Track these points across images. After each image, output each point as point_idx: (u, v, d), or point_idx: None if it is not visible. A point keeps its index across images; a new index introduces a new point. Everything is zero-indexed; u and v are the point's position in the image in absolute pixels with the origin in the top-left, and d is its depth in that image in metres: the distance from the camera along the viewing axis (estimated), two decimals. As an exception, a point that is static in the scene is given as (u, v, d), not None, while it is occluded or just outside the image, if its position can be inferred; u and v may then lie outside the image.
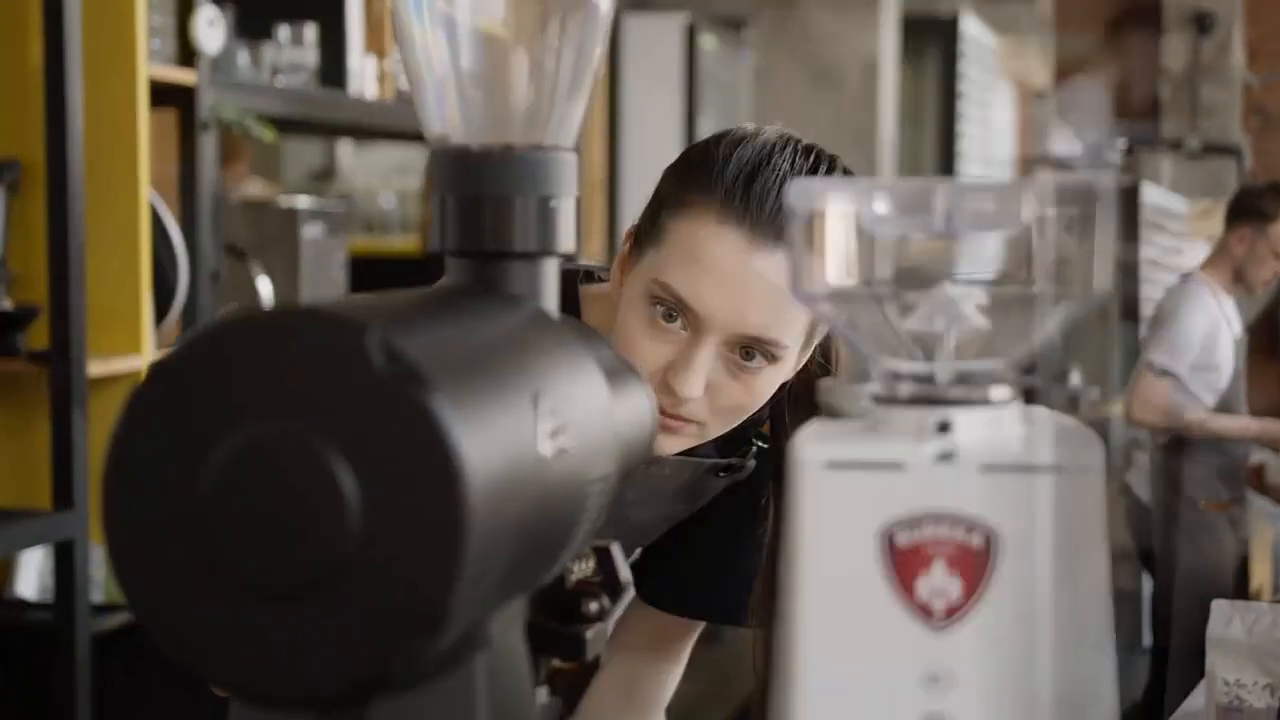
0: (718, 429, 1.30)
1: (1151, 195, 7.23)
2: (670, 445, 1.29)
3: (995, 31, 8.18)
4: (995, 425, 0.70)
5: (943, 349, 0.71)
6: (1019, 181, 0.68)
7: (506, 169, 0.80)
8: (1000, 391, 0.71)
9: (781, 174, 1.24)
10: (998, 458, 0.68)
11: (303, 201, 3.20)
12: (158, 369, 0.63)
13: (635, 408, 0.87)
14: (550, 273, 0.82)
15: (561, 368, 0.74)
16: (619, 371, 0.86)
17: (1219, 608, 1.99)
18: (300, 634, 0.62)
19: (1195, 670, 4.81)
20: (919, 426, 0.69)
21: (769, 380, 1.27)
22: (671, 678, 1.55)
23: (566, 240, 0.82)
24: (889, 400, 0.71)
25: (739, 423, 1.30)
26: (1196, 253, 8.53)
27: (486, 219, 0.80)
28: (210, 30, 2.65)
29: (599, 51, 0.85)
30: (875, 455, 0.69)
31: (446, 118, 0.82)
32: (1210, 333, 4.34)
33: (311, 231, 3.14)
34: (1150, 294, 7.32)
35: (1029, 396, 0.73)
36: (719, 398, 1.26)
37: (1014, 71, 8.73)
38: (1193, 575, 4.24)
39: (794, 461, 0.69)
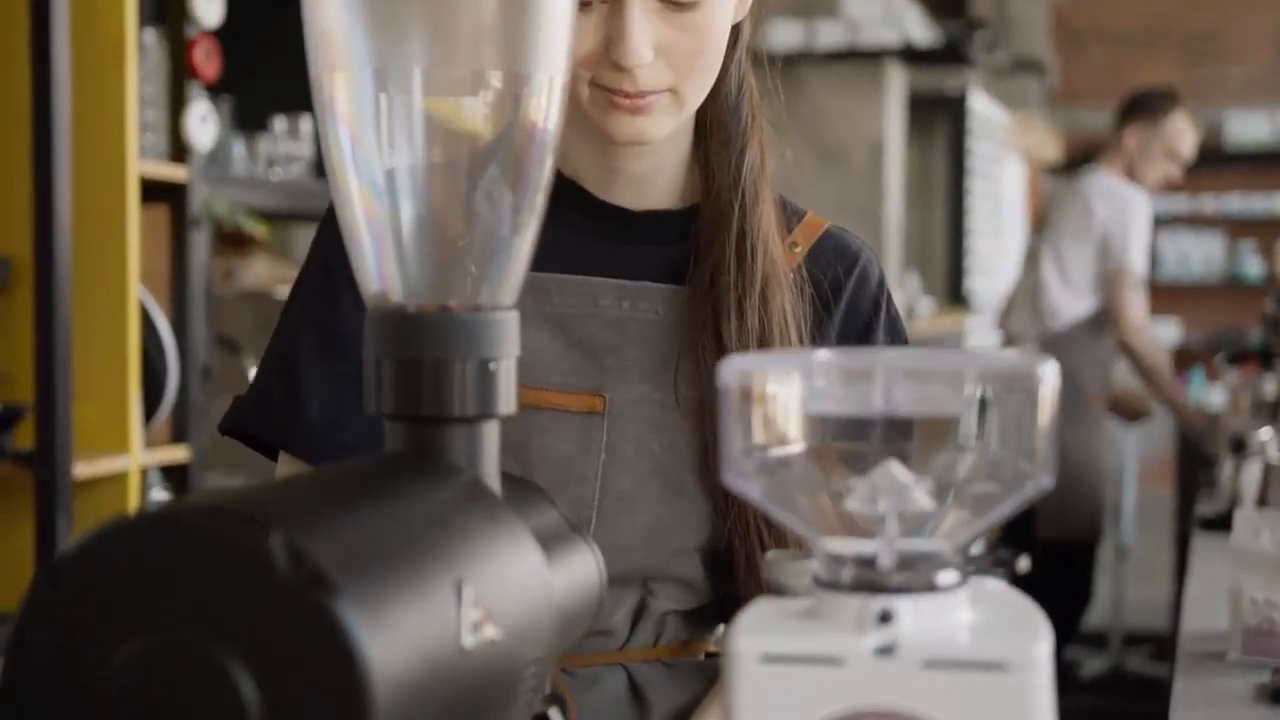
0: (693, 92, 1.19)
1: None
2: (651, 127, 1.18)
3: (1004, 106, 8.19)
4: (941, 613, 0.67)
5: (885, 531, 0.68)
6: (959, 363, 0.66)
7: (444, 331, 0.78)
8: (946, 576, 0.68)
9: None
10: (941, 652, 0.65)
11: (299, 292, 3.17)
12: (55, 570, 0.60)
13: (578, 573, 0.84)
14: (490, 437, 0.79)
15: (492, 548, 0.71)
16: (561, 536, 0.83)
17: (1244, 517, 1.82)
18: None
19: (1077, 566, 4.73)
20: (860, 616, 0.67)
21: (715, 13, 1.17)
22: None
23: (507, 402, 0.79)
24: (830, 585, 0.68)
25: (711, 79, 1.20)
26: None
27: (424, 382, 0.77)
28: (202, 126, 2.65)
29: (541, 198, 0.83)
30: (812, 649, 0.66)
31: (384, 276, 0.80)
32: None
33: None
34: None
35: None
36: (673, 54, 1.16)
37: (1023, 146, 8.74)
38: (1078, 467, 4.21)
39: (729, 652, 0.67)
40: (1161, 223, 9.92)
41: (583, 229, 1.26)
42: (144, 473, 2.66)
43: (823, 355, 0.70)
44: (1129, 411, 4.81)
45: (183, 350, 2.67)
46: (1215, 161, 9.73)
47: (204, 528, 0.60)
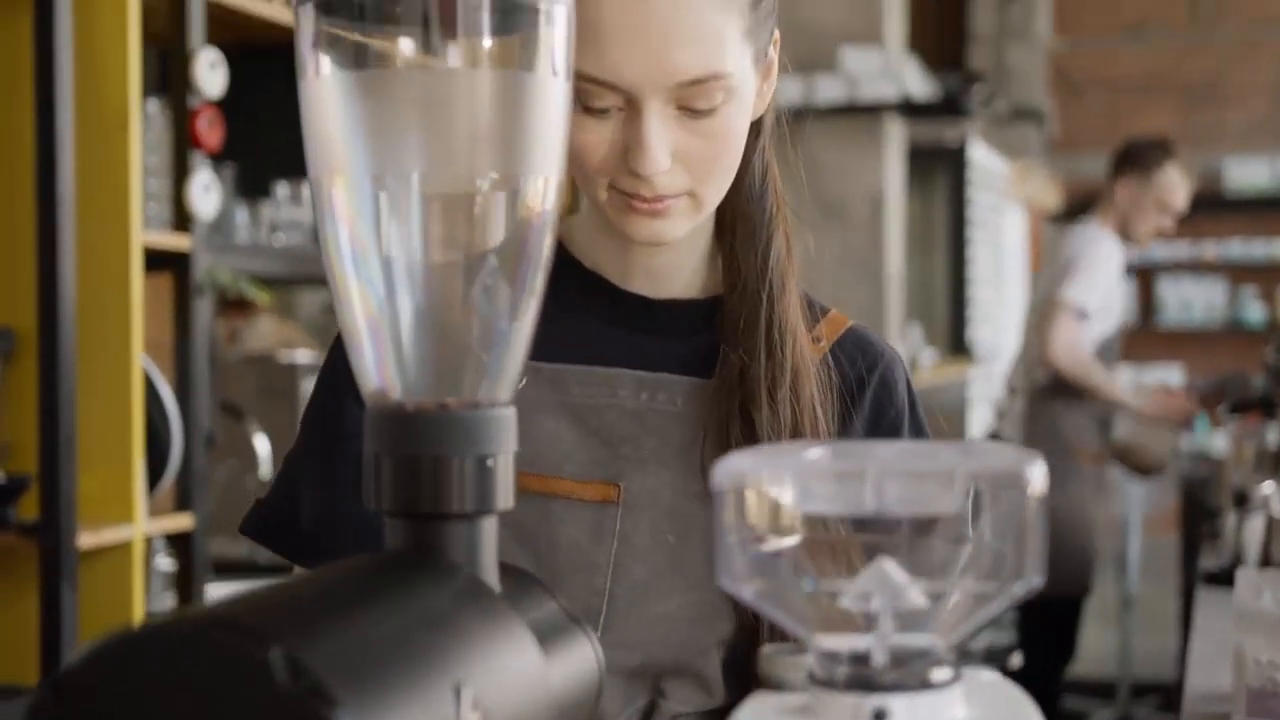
0: (711, 194, 1.18)
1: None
2: (670, 229, 1.17)
3: (1004, 155, 8.22)
4: (935, 710, 0.68)
5: (879, 628, 0.69)
6: (949, 463, 0.67)
7: (442, 429, 0.79)
8: (940, 673, 0.69)
9: None
10: (934, 751, 0.66)
11: (303, 356, 3.20)
12: (58, 682, 0.61)
13: (576, 664, 0.84)
14: (489, 532, 0.80)
15: (490, 646, 0.72)
16: (559, 628, 0.84)
17: (1246, 577, 1.81)
18: None
19: (1061, 620, 4.65)
20: (855, 714, 0.67)
21: (733, 117, 1.15)
22: None
23: (505, 498, 0.80)
24: (825, 683, 0.69)
25: (729, 180, 1.18)
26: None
27: (423, 480, 0.78)
28: (205, 195, 2.67)
29: (539, 287, 0.84)
30: (807, 749, 0.66)
31: (383, 374, 0.81)
32: (1113, 278, 4.38)
33: (312, 385, 3.13)
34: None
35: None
36: (690, 159, 1.14)
37: (1024, 194, 8.77)
38: (1063, 523, 4.13)
39: (725, 752, 0.67)
40: (1163, 269, 9.96)
41: (604, 318, 1.26)
42: (148, 541, 2.67)
43: (814, 454, 0.71)
44: (1139, 465, 4.77)
45: (186, 418, 2.68)
46: (1216, 207, 9.78)
47: (204, 640, 0.60)
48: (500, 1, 0.77)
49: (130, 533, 2.53)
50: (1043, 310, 4.35)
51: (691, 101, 1.13)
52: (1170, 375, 9.97)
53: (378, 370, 0.81)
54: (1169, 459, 4.76)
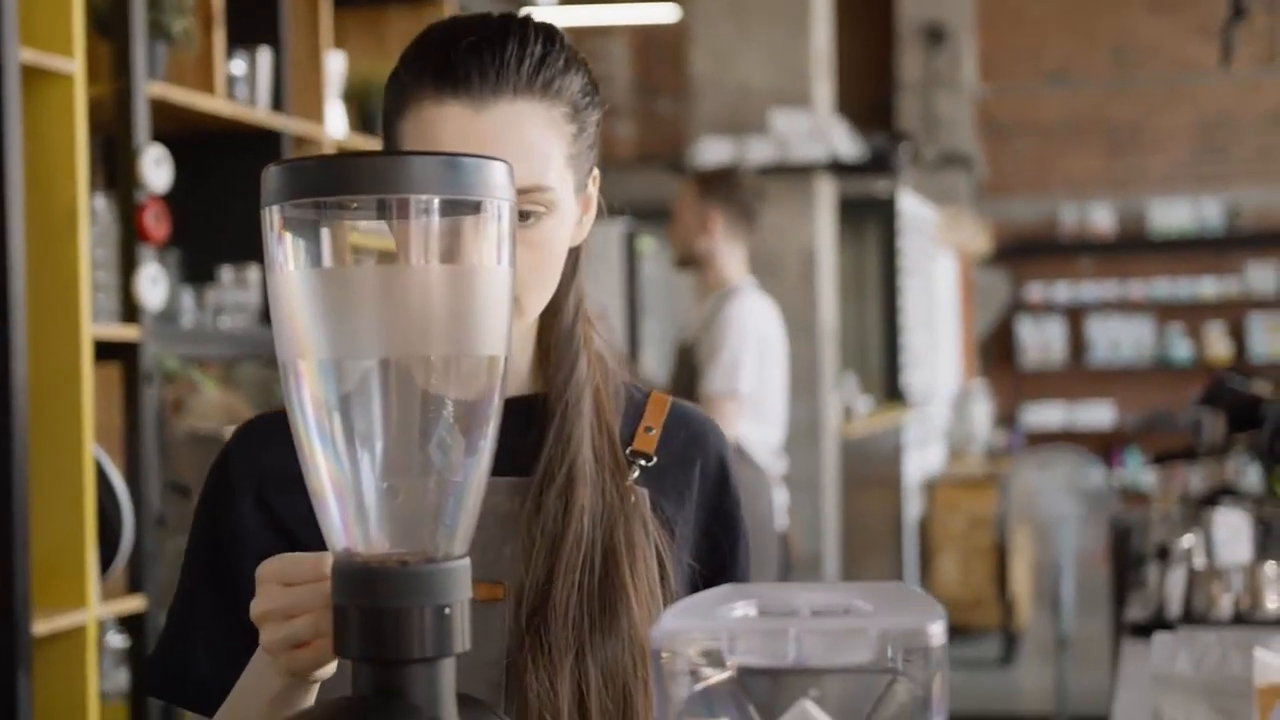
0: (533, 301, 1.25)
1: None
2: None
3: (935, 201, 8.37)
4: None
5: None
6: (862, 623, 0.76)
7: (403, 583, 0.87)
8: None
9: (478, 29, 1.23)
10: None
11: (248, 432, 3.24)
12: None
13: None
14: (448, 673, 0.88)
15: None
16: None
17: (1162, 641, 1.90)
18: None
19: None
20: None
21: (553, 232, 1.23)
22: None
23: (463, 640, 0.89)
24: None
25: (550, 291, 1.26)
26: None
27: (386, 629, 0.87)
28: (153, 287, 2.73)
29: (490, 440, 0.92)
30: None
31: (348, 534, 0.89)
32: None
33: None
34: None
35: None
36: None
37: (953, 240, 8.93)
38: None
39: None
40: (1092, 308, 10.16)
41: None
42: (101, 624, 2.72)
43: (739, 612, 0.79)
44: None
45: (137, 501, 2.73)
46: (1141, 248, 10.00)
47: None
48: (447, 203, 0.85)
49: (84, 617, 2.58)
50: None
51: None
52: (1101, 412, 10.16)
53: (344, 530, 0.89)
54: None
